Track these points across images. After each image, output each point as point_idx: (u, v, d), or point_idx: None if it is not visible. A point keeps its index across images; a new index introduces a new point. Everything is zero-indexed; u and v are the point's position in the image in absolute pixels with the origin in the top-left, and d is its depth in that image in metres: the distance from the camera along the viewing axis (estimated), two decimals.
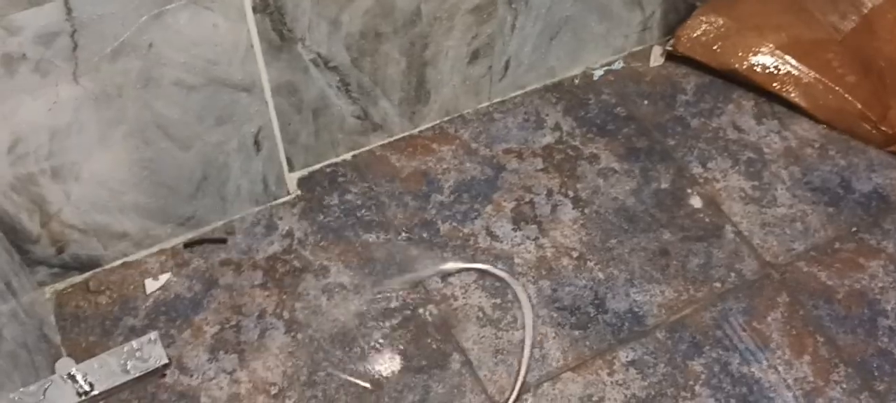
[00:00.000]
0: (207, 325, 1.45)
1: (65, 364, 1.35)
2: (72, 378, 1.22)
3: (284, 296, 1.48)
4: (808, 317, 1.45)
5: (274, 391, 1.38)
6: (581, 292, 1.49)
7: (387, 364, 1.41)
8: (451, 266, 1.51)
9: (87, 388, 1.22)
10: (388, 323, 1.45)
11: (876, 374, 1.39)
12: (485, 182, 1.64)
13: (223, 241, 1.54)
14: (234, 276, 1.50)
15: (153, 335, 1.28)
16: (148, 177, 1.40)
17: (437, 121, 1.72)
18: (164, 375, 1.39)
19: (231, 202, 1.53)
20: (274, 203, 1.59)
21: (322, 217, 1.58)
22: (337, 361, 1.41)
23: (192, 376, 1.40)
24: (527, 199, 1.61)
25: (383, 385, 1.39)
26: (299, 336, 1.44)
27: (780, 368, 1.39)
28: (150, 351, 1.26)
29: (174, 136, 1.36)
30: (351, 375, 1.39)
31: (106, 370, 1.25)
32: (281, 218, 1.57)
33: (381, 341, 1.43)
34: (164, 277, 1.50)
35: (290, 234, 1.56)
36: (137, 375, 1.25)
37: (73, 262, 1.46)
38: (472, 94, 1.71)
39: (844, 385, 1.37)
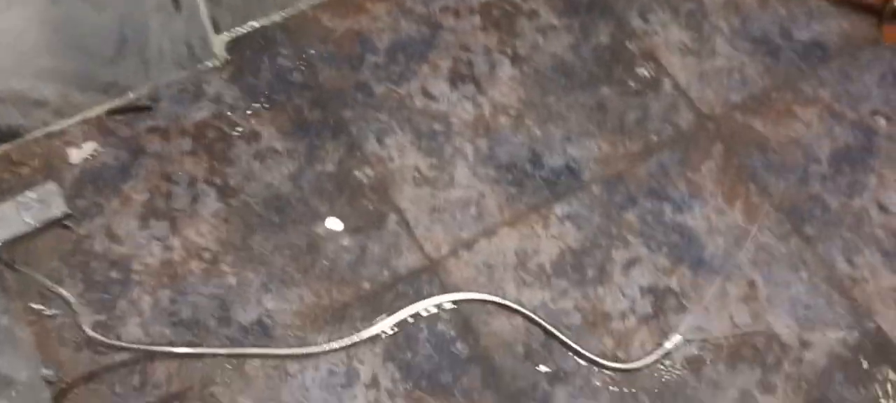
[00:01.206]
0: (136, 193, 1.41)
1: None
2: None
3: (215, 163, 1.45)
4: (741, 167, 1.45)
5: (208, 256, 1.37)
6: (518, 150, 1.47)
7: (323, 226, 1.40)
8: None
9: None
10: (323, 186, 1.43)
11: (805, 219, 1.40)
12: (421, 41, 1.59)
13: (148, 108, 1.49)
14: (162, 143, 1.46)
15: (52, 185, 1.23)
16: (62, 39, 1.33)
17: None
18: (68, 226, 1.36)
19: (154, 67, 1.47)
20: (201, 67, 1.53)
21: (252, 81, 1.53)
22: (273, 225, 1.39)
23: (123, 244, 1.37)
24: (464, 58, 1.57)
25: (320, 246, 1.37)
26: (232, 201, 1.41)
27: (712, 216, 1.40)
28: (49, 201, 1.22)
29: None
30: (287, 238, 1.38)
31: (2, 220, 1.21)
32: (209, 83, 1.52)
33: (316, 204, 1.41)
34: (88, 146, 1.45)
35: (218, 99, 1.51)
36: (36, 225, 1.21)
37: None
38: None
39: (774, 231, 1.39)
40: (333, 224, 1.39)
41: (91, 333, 1.27)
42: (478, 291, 1.34)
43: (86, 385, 1.26)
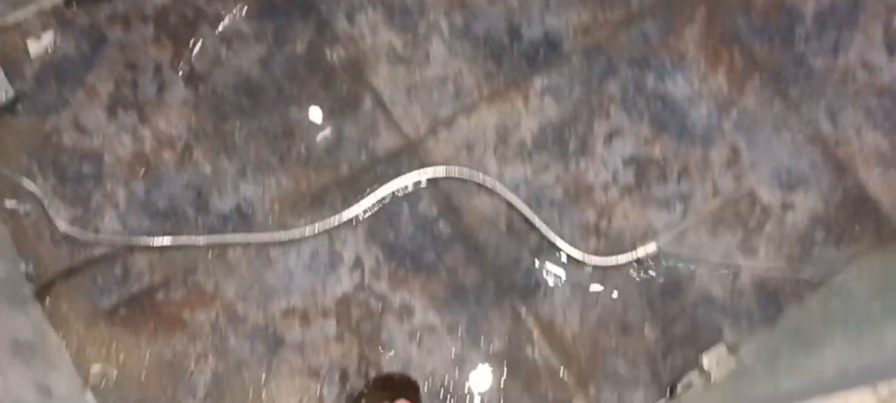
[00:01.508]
0: (101, 84, 1.36)
1: None
2: None
3: (180, 48, 1.39)
4: (725, 30, 1.42)
5: (180, 145, 1.33)
6: (494, 23, 1.42)
7: (296, 111, 1.36)
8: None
9: None
10: (294, 68, 1.38)
11: (789, 80, 1.38)
12: None
13: None
14: (124, 31, 1.40)
15: None
16: None
17: None
18: (15, 110, 1.32)
19: None
20: None
21: None
22: (244, 111, 1.35)
23: (92, 136, 1.33)
24: None
25: (294, 131, 1.34)
26: (201, 88, 1.37)
27: (695, 82, 1.37)
28: None
29: None
30: (260, 124, 1.34)
31: None
32: None
33: (288, 87, 1.37)
34: (47, 37, 1.39)
35: None
36: None
37: None
38: None
39: (758, 94, 1.37)
40: (314, 114, 1.36)
41: (66, 229, 1.25)
42: (459, 169, 1.32)
43: (67, 280, 1.24)
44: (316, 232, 1.27)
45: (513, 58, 1.40)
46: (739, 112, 1.36)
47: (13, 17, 1.39)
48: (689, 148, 1.33)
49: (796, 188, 1.31)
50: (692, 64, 1.38)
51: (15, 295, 1.20)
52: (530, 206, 1.29)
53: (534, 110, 1.36)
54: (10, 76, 1.35)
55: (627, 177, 1.32)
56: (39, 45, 1.38)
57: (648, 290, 1.26)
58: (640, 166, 1.32)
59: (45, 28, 1.39)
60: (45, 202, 1.25)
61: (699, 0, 1.44)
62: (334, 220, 1.28)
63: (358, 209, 1.28)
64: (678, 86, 1.37)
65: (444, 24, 1.42)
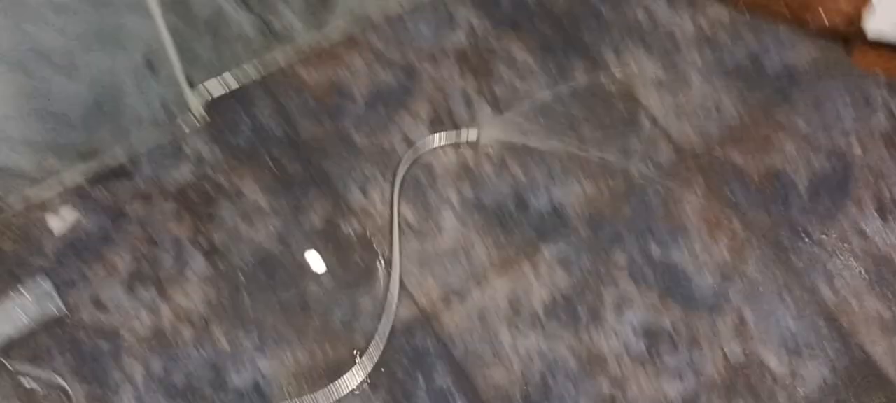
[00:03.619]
0: (121, 260, 1.39)
1: None
2: None
3: (199, 224, 1.43)
4: (723, 200, 1.48)
5: (198, 320, 1.35)
6: (502, 193, 1.48)
7: (312, 282, 1.39)
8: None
9: None
10: (311, 242, 1.42)
11: (789, 248, 1.43)
12: (399, 89, 1.59)
13: (128, 173, 1.47)
14: (144, 207, 1.44)
15: (46, 281, 1.23)
16: (35, 108, 1.31)
17: (345, 27, 1.65)
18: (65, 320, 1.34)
19: (132, 130, 1.46)
20: (179, 128, 1.51)
21: (232, 139, 1.52)
22: (261, 285, 1.38)
23: (110, 313, 1.35)
24: (441, 102, 1.57)
25: (309, 303, 1.37)
26: (220, 263, 1.40)
27: (698, 251, 1.42)
28: (44, 298, 1.22)
29: (57, 64, 1.27)
30: (277, 297, 1.37)
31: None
32: (188, 144, 1.50)
33: (305, 261, 1.40)
34: (69, 215, 1.43)
35: (199, 159, 1.49)
36: (34, 325, 1.21)
37: None
38: None
39: (760, 262, 1.41)
40: (314, 260, 1.39)
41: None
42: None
43: None
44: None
45: (522, 227, 1.45)
46: (743, 280, 1.40)
47: (36, 195, 1.43)
48: (697, 317, 1.36)
49: (804, 356, 1.34)
50: (694, 233, 1.44)
51: None
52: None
53: (544, 280, 1.39)
54: (32, 253, 1.39)
55: (639, 346, 1.34)
56: (62, 222, 1.42)
57: None
58: (651, 335, 1.35)
59: (67, 206, 1.43)
60: (68, 391, 1.26)
61: (696, 170, 1.51)
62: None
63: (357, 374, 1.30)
64: (682, 255, 1.41)
65: (454, 197, 1.47)
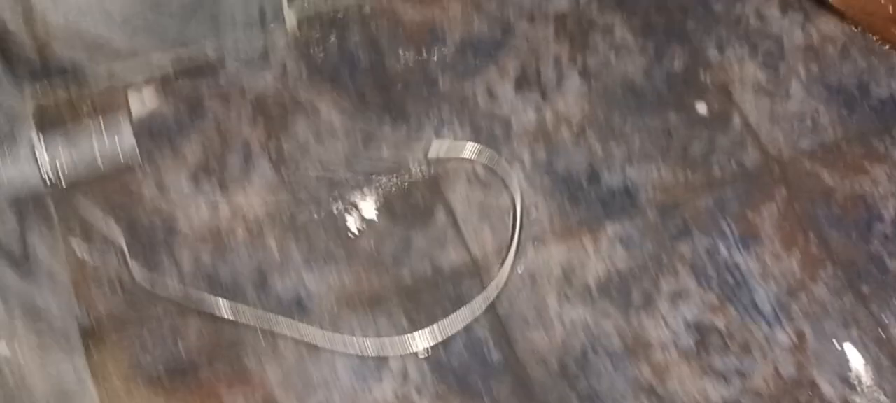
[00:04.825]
0: (191, 152, 1.41)
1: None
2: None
3: (272, 132, 1.44)
4: (803, 214, 1.41)
5: (253, 223, 1.36)
6: (576, 164, 1.44)
7: (371, 211, 1.38)
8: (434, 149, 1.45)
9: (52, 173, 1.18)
10: (375, 172, 1.41)
11: (862, 277, 1.36)
12: (491, 42, 1.57)
13: (213, 70, 1.49)
14: (223, 107, 1.46)
15: (127, 131, 1.22)
16: None
17: None
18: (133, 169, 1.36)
19: (225, 30, 1.47)
20: (271, 38, 1.52)
21: (319, 58, 1.52)
22: (319, 203, 1.38)
23: (171, 199, 1.37)
24: (533, 65, 1.55)
25: (364, 231, 1.36)
26: (284, 173, 1.41)
27: (767, 260, 1.36)
28: (121, 141, 1.20)
29: None
30: (333, 217, 1.37)
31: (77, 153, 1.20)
32: (276, 55, 1.51)
33: (366, 189, 1.40)
34: (150, 99, 1.45)
35: (284, 71, 1.50)
36: (103, 167, 1.20)
37: (57, 72, 1.41)
38: None
39: (830, 284, 1.35)
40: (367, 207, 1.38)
41: (138, 279, 1.27)
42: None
43: (116, 331, 1.26)
44: (369, 350, 1.27)
45: (589, 200, 1.41)
46: (809, 298, 1.34)
47: (123, 74, 1.46)
48: (754, 324, 1.31)
49: (859, 390, 1.27)
50: (766, 241, 1.38)
51: (66, 340, 1.21)
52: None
53: (603, 256, 1.36)
54: (107, 129, 1.41)
55: (689, 341, 1.30)
56: (143, 106, 1.44)
57: None
58: (703, 333, 1.30)
59: (150, 89, 1.46)
60: (123, 252, 1.28)
61: (780, 180, 1.44)
62: (392, 342, 1.28)
63: (418, 342, 1.28)
64: (750, 261, 1.36)
65: (526, 156, 1.44)
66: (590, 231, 1.38)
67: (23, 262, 1.14)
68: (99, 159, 1.20)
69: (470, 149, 1.43)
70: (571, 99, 1.51)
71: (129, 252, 1.31)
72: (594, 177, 1.43)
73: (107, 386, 1.23)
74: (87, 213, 1.31)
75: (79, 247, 1.32)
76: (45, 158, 1.17)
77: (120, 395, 1.22)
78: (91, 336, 1.25)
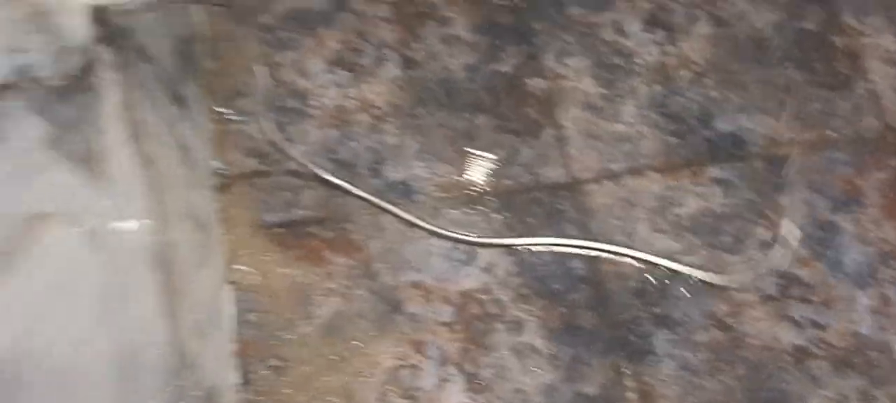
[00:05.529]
0: (331, 41, 1.54)
1: None
2: None
3: (406, 34, 1.55)
4: None
5: (377, 113, 1.48)
6: (690, 104, 1.48)
7: (481, 118, 1.47)
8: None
9: None
10: (493, 83, 1.50)
11: None
12: None
13: None
14: (365, 4, 1.58)
15: None
16: None
17: None
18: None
19: None
20: None
21: None
22: (440, 104, 1.48)
23: (307, 80, 1.50)
24: (665, 4, 1.58)
25: (473, 134, 1.45)
26: (411, 72, 1.51)
27: (865, 223, 1.36)
28: None
29: None
30: (450, 120, 1.47)
31: None
32: None
33: (481, 95, 1.49)
34: None
35: None
36: None
37: None
38: None
39: None
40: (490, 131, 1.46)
41: (274, 138, 1.42)
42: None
43: (244, 186, 1.41)
44: (462, 235, 1.37)
45: (696, 141, 1.44)
46: None
47: None
48: (840, 282, 1.31)
49: None
50: (868, 205, 1.37)
51: (201, 181, 1.38)
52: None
53: (700, 195, 1.39)
54: (258, 12, 1.56)
55: (770, 287, 1.32)
56: None
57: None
58: (786, 282, 1.32)
59: None
60: (260, 115, 1.44)
61: (895, 151, 1.43)
62: (483, 238, 1.38)
63: (506, 241, 1.37)
64: (847, 222, 1.36)
65: (642, 90, 1.49)
66: (691, 170, 1.42)
67: (182, 101, 1.30)
68: None
69: None
70: (697, 44, 1.53)
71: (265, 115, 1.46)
72: (705, 118, 1.46)
73: (231, 229, 1.38)
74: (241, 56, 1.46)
75: (220, 111, 1.47)
76: None
77: (241, 239, 1.38)
78: (224, 186, 1.41)
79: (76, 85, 0.80)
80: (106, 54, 0.89)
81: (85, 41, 0.84)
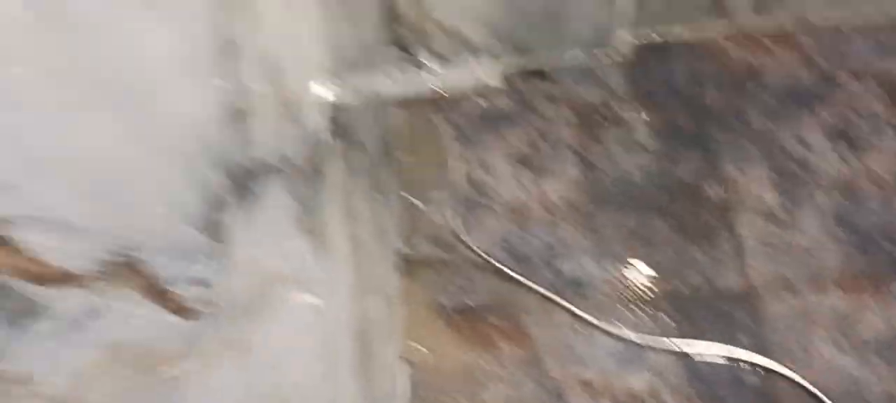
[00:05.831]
0: (516, 140, 1.63)
1: None
2: None
3: (586, 138, 1.61)
4: None
5: (554, 210, 1.54)
6: (878, 222, 1.43)
7: (657, 221, 1.50)
8: None
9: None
10: (669, 191, 1.52)
11: None
12: (811, 93, 1.60)
13: (545, 76, 1.70)
14: (549, 108, 1.66)
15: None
16: None
17: (784, 21, 1.69)
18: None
19: (565, 42, 1.67)
20: (601, 57, 1.70)
21: (642, 82, 1.66)
22: (617, 206, 1.52)
23: (491, 176, 1.59)
24: (851, 119, 1.56)
25: (648, 236, 1.48)
26: (589, 174, 1.57)
27: None
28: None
29: None
30: (625, 221, 1.51)
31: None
32: (603, 72, 1.69)
33: (658, 198, 1.52)
34: (496, 88, 1.69)
35: (607, 88, 1.67)
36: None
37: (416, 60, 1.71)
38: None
39: None
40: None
41: (454, 229, 1.51)
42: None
43: (425, 270, 1.50)
44: (632, 338, 1.39)
45: (882, 257, 1.39)
46: None
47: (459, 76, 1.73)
48: None
49: None
50: None
51: (387, 260, 1.48)
52: (842, 399, 1.28)
53: (884, 314, 1.34)
54: (455, 111, 1.68)
55: None
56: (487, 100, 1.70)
57: None
58: None
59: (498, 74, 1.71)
60: (446, 210, 1.54)
61: None
62: (655, 340, 1.39)
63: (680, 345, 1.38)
64: None
65: (826, 204, 1.46)
66: (875, 286, 1.37)
67: (382, 189, 1.42)
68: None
69: None
70: (886, 156, 1.50)
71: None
72: (894, 237, 1.41)
73: (413, 311, 1.47)
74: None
75: (408, 199, 1.59)
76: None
77: (422, 319, 1.46)
78: (407, 266, 1.51)
79: (314, 169, 0.92)
80: (335, 145, 1.02)
81: (322, 133, 0.96)
